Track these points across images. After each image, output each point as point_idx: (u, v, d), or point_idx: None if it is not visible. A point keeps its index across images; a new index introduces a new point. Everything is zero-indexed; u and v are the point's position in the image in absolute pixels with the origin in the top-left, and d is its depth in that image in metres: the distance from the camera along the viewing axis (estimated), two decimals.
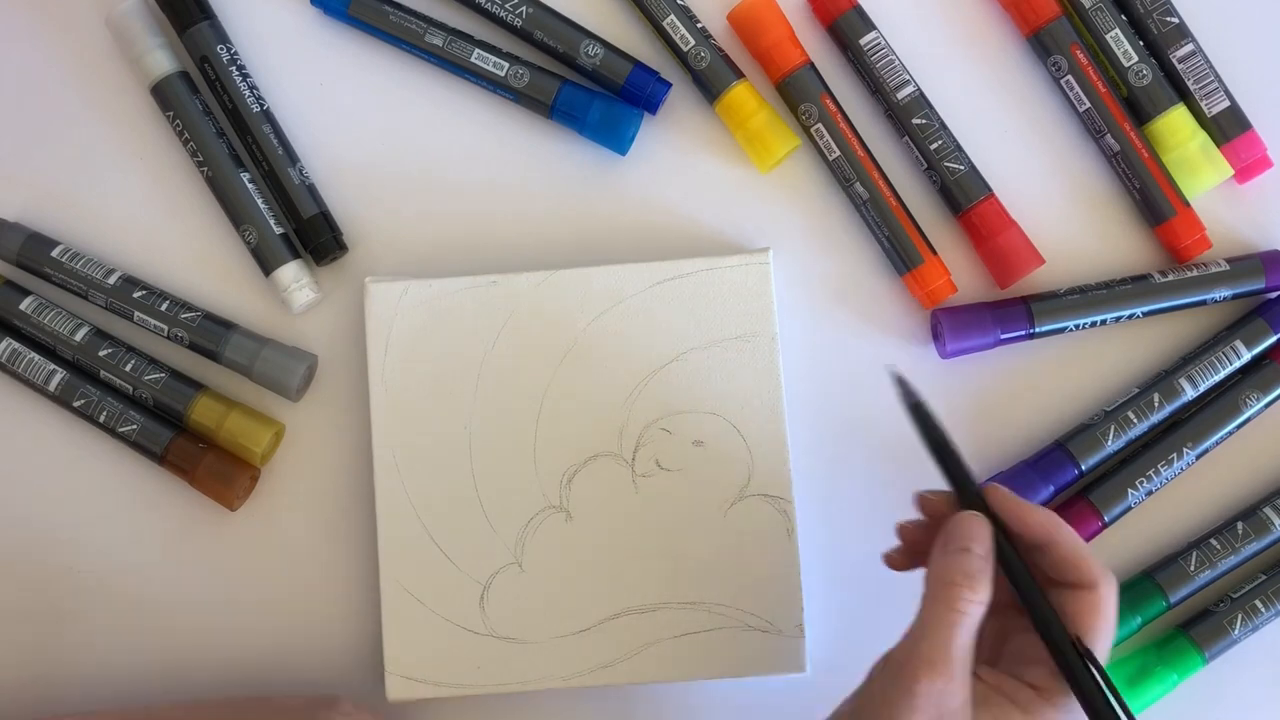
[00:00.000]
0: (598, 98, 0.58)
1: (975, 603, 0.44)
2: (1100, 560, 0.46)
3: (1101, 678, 0.44)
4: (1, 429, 0.60)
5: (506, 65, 0.58)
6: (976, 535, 0.46)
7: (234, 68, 0.59)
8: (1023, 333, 0.57)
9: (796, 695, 0.57)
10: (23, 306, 0.58)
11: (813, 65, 0.58)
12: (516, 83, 0.58)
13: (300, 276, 0.58)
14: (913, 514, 0.49)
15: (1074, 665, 0.44)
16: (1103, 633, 0.45)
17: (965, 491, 0.47)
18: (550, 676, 0.56)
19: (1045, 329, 0.57)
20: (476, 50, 0.58)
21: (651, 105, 0.59)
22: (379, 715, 0.54)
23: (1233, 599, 0.56)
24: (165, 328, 0.58)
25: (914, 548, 0.50)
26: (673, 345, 0.57)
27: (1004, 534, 0.46)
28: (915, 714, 0.43)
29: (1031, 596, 0.46)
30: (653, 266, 0.57)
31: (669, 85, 0.59)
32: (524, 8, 0.59)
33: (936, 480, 0.58)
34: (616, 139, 0.58)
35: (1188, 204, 0.58)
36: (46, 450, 0.59)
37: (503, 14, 0.59)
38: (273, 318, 0.60)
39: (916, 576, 0.58)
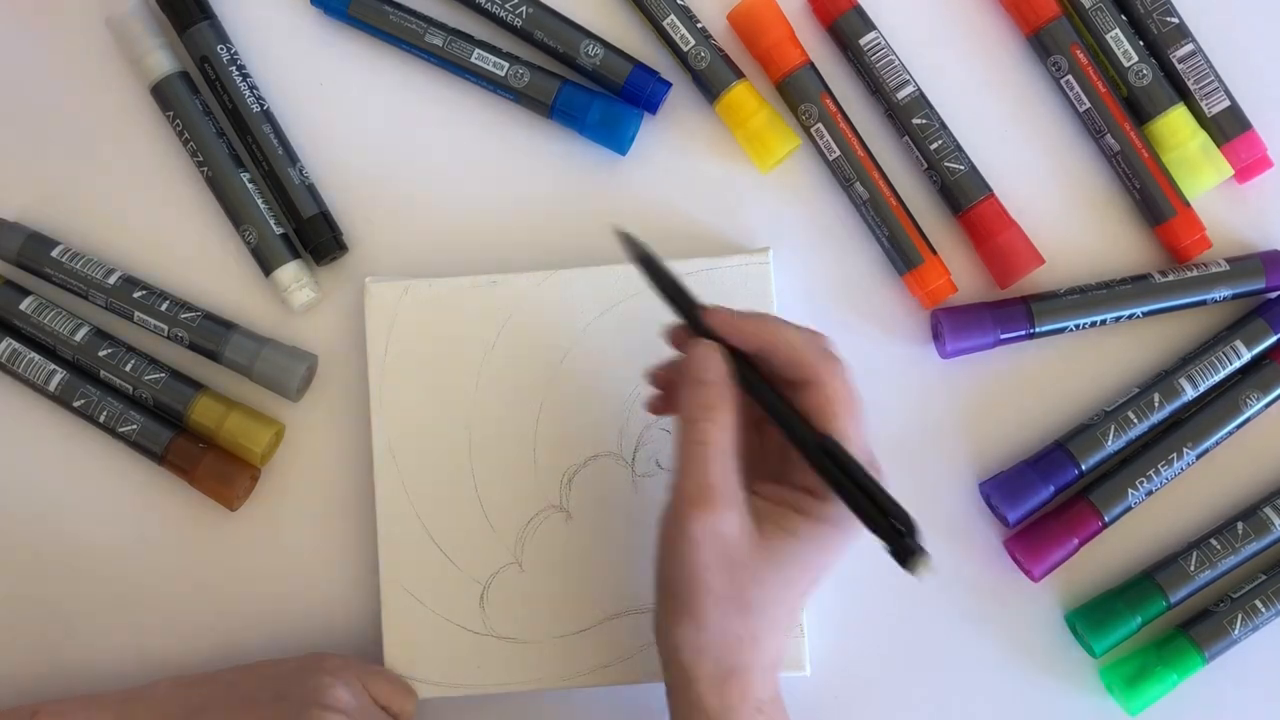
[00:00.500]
0: (598, 98, 0.58)
1: (718, 428, 0.45)
2: (824, 350, 0.47)
3: (845, 465, 0.45)
4: (1, 429, 0.60)
5: (506, 65, 0.58)
6: (708, 364, 0.46)
7: (234, 68, 0.59)
8: (1023, 333, 0.57)
9: (796, 695, 0.57)
10: (23, 306, 0.58)
11: (813, 65, 0.58)
12: (516, 82, 0.58)
13: (300, 276, 0.58)
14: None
15: (817, 459, 0.45)
16: (840, 419, 0.46)
17: (693, 321, 0.48)
18: (550, 676, 0.56)
19: (1045, 329, 0.57)
20: (476, 50, 0.58)
21: (651, 105, 0.59)
22: (366, 663, 0.55)
23: (1233, 599, 0.56)
24: (165, 328, 0.58)
25: (669, 389, 0.51)
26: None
27: (731, 351, 0.47)
28: (698, 551, 0.44)
29: (770, 405, 0.47)
30: None
31: (669, 85, 0.59)
32: (524, 8, 0.59)
33: (943, 479, 0.59)
34: (616, 139, 0.58)
35: (1188, 204, 0.58)
36: (46, 450, 0.59)
37: (503, 14, 0.59)
38: (273, 318, 0.60)
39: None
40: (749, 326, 0.47)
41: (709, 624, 0.45)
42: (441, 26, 0.59)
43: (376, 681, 0.54)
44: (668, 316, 0.47)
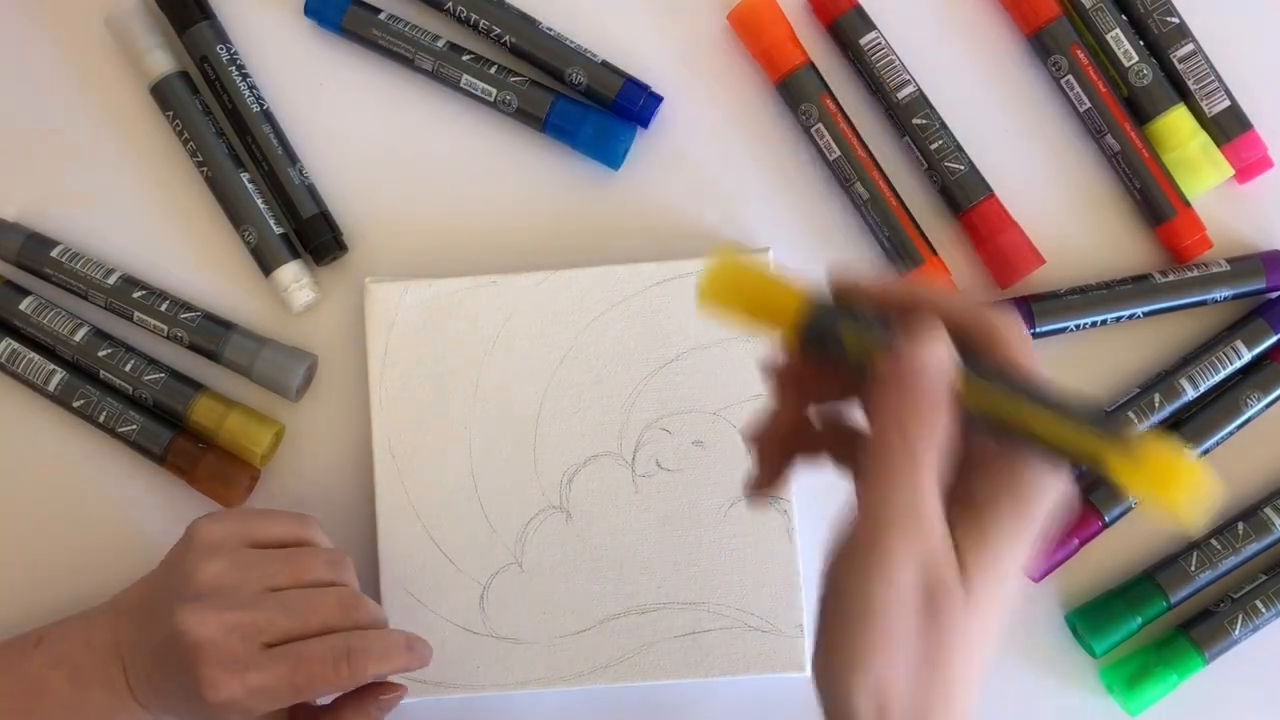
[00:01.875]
0: (590, 113, 0.58)
1: (935, 442, 0.37)
2: (980, 305, 0.39)
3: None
4: (1, 429, 0.60)
5: (495, 91, 0.58)
6: (935, 360, 0.37)
7: (234, 67, 0.59)
8: None
9: (796, 695, 0.57)
10: (23, 306, 0.58)
11: (813, 65, 0.58)
12: (505, 108, 0.58)
13: (300, 276, 0.58)
14: None
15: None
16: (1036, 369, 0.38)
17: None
18: (550, 676, 0.56)
19: (1045, 329, 0.57)
20: (465, 76, 0.58)
21: (644, 119, 0.59)
22: (255, 513, 0.52)
23: (1233, 599, 0.56)
24: (165, 328, 0.58)
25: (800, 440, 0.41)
26: (673, 345, 0.57)
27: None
28: (896, 586, 0.36)
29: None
30: (652, 266, 0.57)
31: (660, 99, 0.59)
32: (510, 36, 0.58)
33: None
34: (609, 154, 0.58)
35: (1188, 204, 0.58)
36: (46, 450, 0.59)
37: (493, 34, 0.59)
38: (273, 318, 0.60)
39: None
40: (899, 285, 0.39)
41: (898, 674, 0.37)
42: (429, 50, 0.58)
43: (267, 526, 0.50)
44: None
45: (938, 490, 0.37)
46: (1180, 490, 0.35)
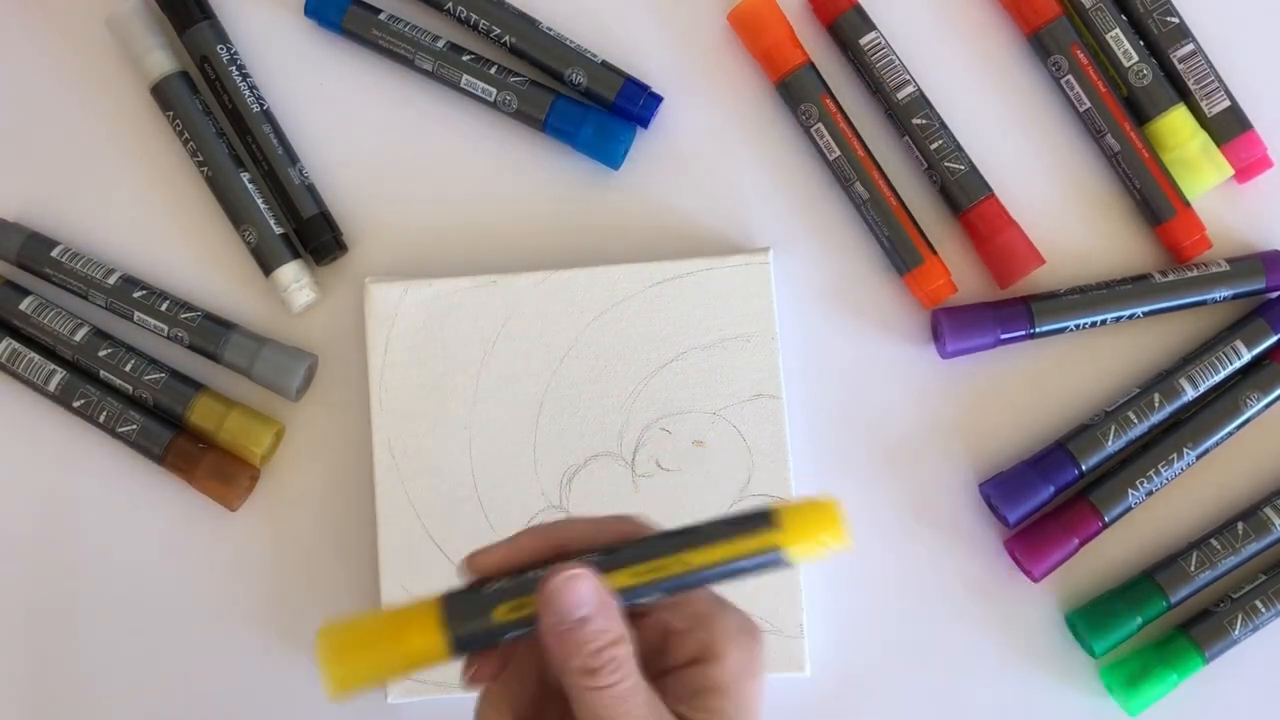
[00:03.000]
0: (590, 113, 0.58)
1: (628, 667, 0.36)
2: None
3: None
4: (1, 429, 0.60)
5: (495, 92, 0.58)
6: (579, 593, 0.36)
7: (234, 67, 0.59)
8: (1023, 333, 0.57)
9: (796, 695, 0.57)
10: (23, 306, 0.58)
11: (813, 65, 0.58)
12: (505, 108, 0.58)
13: (300, 276, 0.58)
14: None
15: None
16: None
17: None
18: None
19: (1045, 329, 0.57)
20: (465, 76, 0.58)
21: (644, 119, 0.59)
22: None
23: (1233, 599, 0.56)
24: (165, 328, 0.58)
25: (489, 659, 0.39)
26: (673, 345, 0.57)
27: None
28: None
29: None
30: (652, 266, 0.57)
31: (660, 99, 0.59)
32: (509, 36, 0.58)
33: (943, 480, 0.58)
34: (609, 154, 0.58)
35: (1188, 204, 0.58)
36: (46, 450, 0.59)
37: (492, 34, 0.59)
38: (273, 318, 0.60)
39: (916, 577, 0.58)
40: (526, 540, 0.39)
41: None
42: (430, 50, 0.58)
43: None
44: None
45: (648, 696, 0.36)
46: (835, 525, 0.37)
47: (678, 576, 0.38)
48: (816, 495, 0.38)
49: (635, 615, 0.38)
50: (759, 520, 0.38)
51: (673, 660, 0.38)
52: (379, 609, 0.41)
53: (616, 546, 0.38)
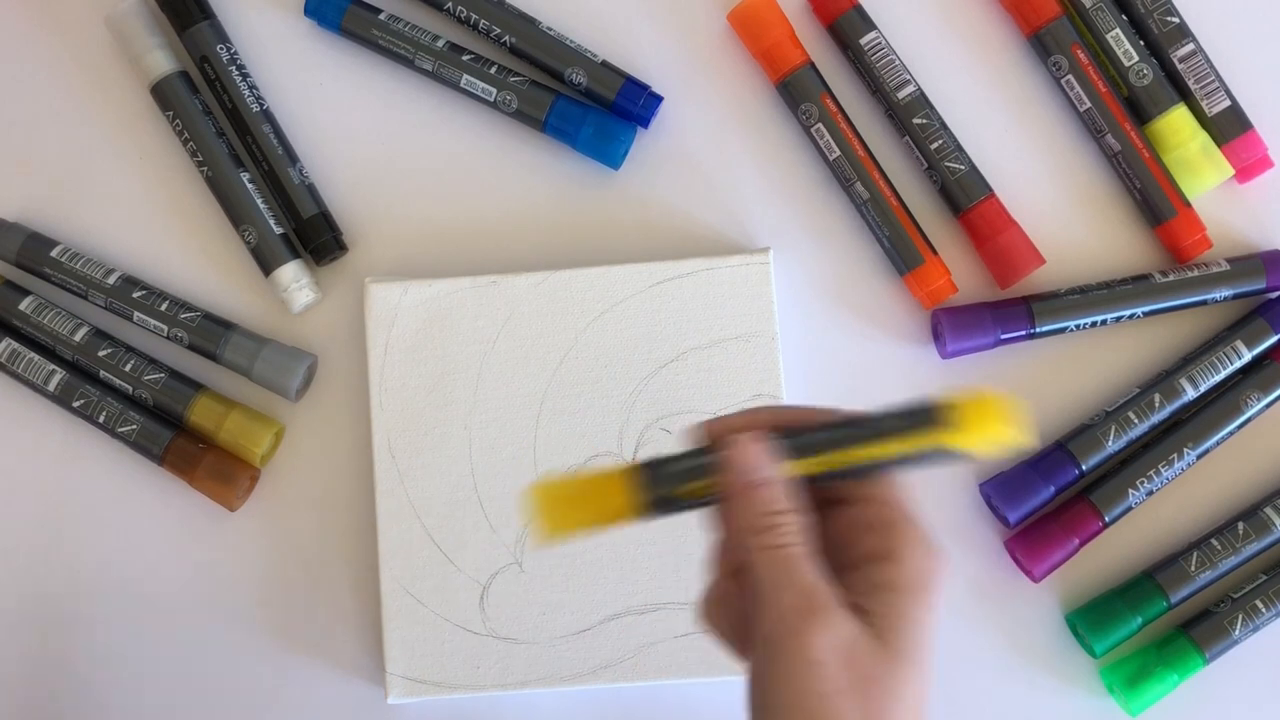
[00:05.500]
0: (591, 113, 0.58)
1: (795, 529, 0.38)
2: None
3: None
4: (1, 429, 0.60)
5: (495, 91, 0.58)
6: (753, 459, 0.38)
7: (234, 67, 0.59)
8: (1023, 333, 0.57)
9: None
10: (22, 306, 0.58)
11: (813, 65, 0.58)
12: (505, 108, 0.58)
13: (300, 276, 0.58)
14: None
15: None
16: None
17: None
18: (550, 676, 0.56)
19: (1045, 329, 0.57)
20: (465, 76, 0.58)
21: (644, 119, 0.59)
22: None
23: (1233, 599, 0.56)
24: (165, 328, 0.58)
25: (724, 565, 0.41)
26: (673, 345, 0.57)
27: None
28: (824, 674, 0.36)
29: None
30: (653, 266, 0.57)
31: (660, 99, 0.59)
32: (510, 36, 0.59)
33: (943, 480, 0.58)
34: (609, 154, 0.58)
35: (1188, 204, 0.58)
36: (46, 450, 0.59)
37: (493, 34, 0.59)
38: (273, 318, 0.60)
39: None
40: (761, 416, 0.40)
41: None
42: (430, 50, 0.58)
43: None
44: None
45: (818, 569, 0.37)
46: (1001, 423, 0.38)
47: (854, 465, 0.39)
48: (987, 391, 0.39)
49: (826, 503, 0.40)
50: (935, 416, 0.39)
51: (857, 554, 0.39)
52: (584, 472, 0.45)
53: (802, 431, 0.40)
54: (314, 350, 0.59)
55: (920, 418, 0.39)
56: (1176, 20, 0.58)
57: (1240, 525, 0.56)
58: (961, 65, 0.60)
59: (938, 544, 0.39)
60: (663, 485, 0.40)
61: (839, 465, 0.39)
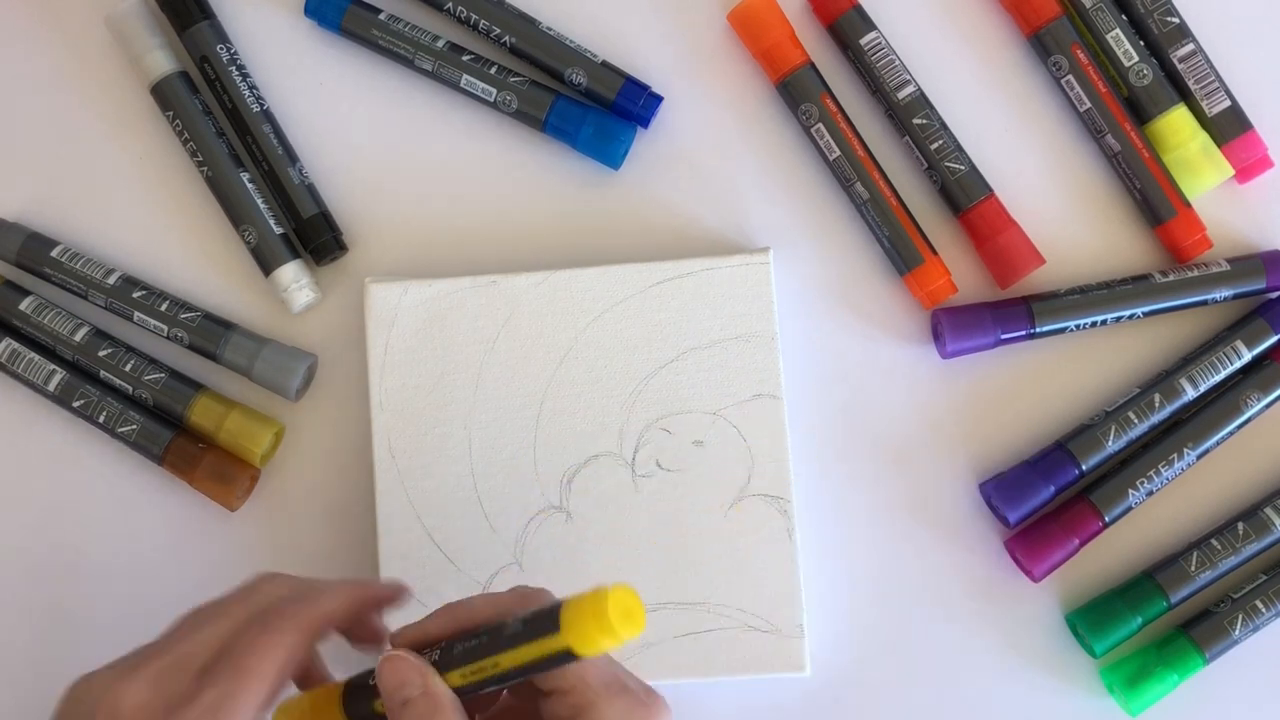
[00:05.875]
0: (591, 113, 0.58)
1: None
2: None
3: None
4: (1, 429, 0.60)
5: (495, 91, 0.58)
6: (402, 675, 0.40)
7: (234, 67, 0.59)
8: (1023, 333, 0.57)
9: (796, 695, 0.57)
10: (22, 306, 0.58)
11: (813, 65, 0.58)
12: (505, 109, 0.58)
13: (300, 276, 0.58)
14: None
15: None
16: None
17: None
18: None
19: (1045, 329, 0.57)
20: (465, 76, 0.58)
21: (644, 119, 0.59)
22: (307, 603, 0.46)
23: (1233, 599, 0.56)
24: (165, 328, 0.58)
25: None
26: (673, 345, 0.57)
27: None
28: None
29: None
30: (652, 266, 0.57)
31: (660, 99, 0.59)
32: (509, 36, 0.58)
33: (943, 480, 0.58)
34: (609, 154, 0.58)
35: (1188, 204, 0.58)
36: (46, 450, 0.59)
37: (493, 34, 0.59)
38: (273, 318, 0.60)
39: (916, 577, 0.58)
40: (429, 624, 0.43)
41: None
42: (430, 50, 0.58)
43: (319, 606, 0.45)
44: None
45: None
46: (612, 621, 0.37)
47: (496, 677, 0.40)
48: (602, 586, 0.38)
49: (541, 694, 0.41)
50: (549, 622, 0.39)
51: None
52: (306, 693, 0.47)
53: (453, 643, 0.41)
54: (314, 350, 0.59)
55: (541, 625, 0.39)
56: (1176, 20, 0.58)
57: (1240, 525, 0.56)
58: (961, 65, 0.60)
59: (646, 696, 0.41)
60: (359, 704, 0.42)
61: (487, 675, 0.40)
